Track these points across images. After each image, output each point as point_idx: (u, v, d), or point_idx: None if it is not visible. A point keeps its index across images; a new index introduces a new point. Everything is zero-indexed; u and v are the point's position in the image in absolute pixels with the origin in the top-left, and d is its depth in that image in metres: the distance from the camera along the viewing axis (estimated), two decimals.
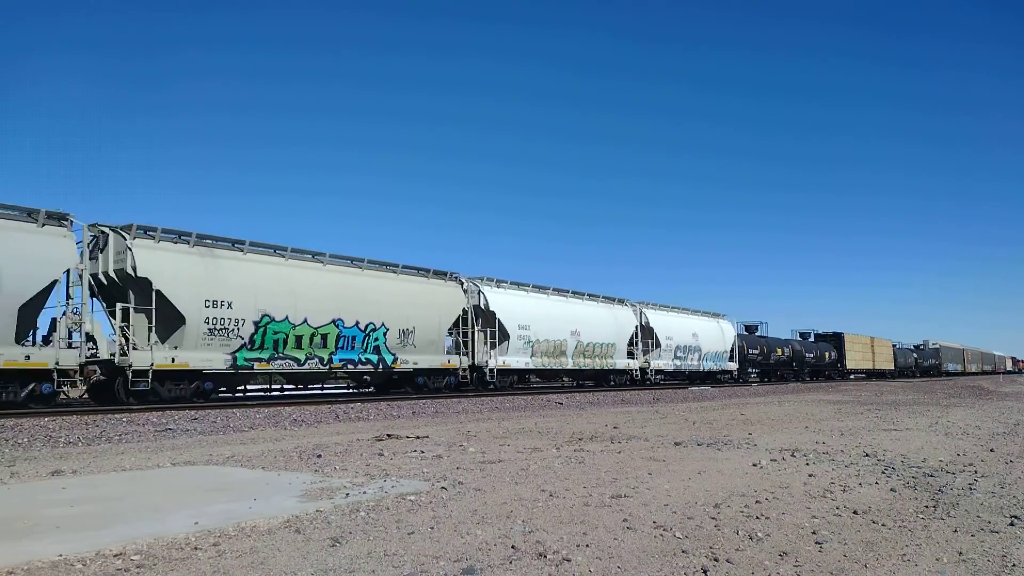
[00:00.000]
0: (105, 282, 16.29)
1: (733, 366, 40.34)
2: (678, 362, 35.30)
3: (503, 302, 25.49)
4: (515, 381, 26.73)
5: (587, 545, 4.04)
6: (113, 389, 16.03)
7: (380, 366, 21.07)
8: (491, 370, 24.70)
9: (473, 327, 24.39)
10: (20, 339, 14.00)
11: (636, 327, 31.91)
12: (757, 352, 43.15)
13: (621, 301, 32.63)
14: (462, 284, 24.60)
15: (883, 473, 6.74)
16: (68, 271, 14.86)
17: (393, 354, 21.46)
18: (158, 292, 15.92)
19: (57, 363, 14.24)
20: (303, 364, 18.96)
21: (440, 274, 23.73)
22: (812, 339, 51.60)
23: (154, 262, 16.03)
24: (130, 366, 15.43)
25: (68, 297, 15.08)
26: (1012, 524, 4.77)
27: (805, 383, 42.58)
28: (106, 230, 16.24)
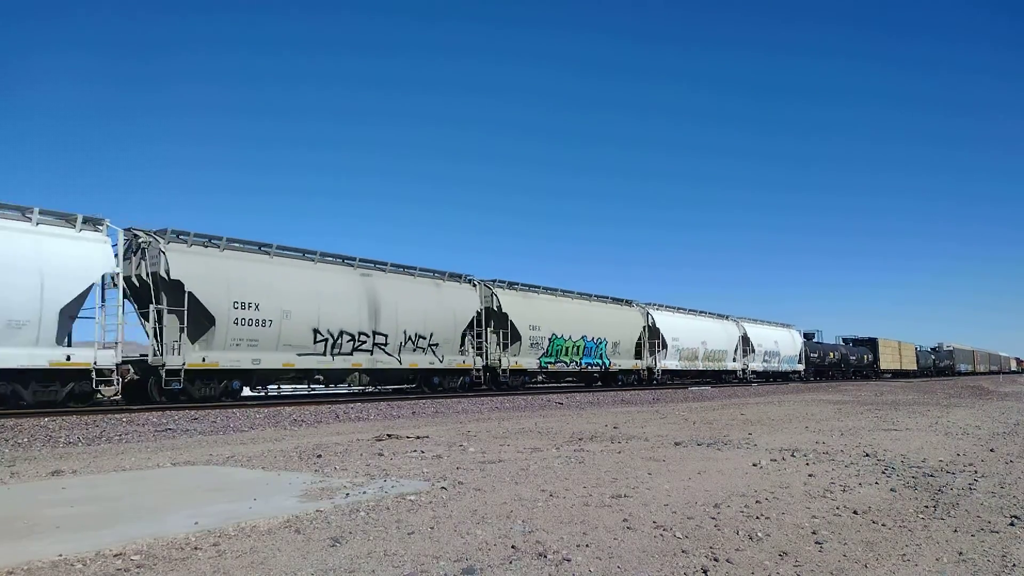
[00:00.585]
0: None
1: (801, 367, 48.47)
2: (765, 364, 44.02)
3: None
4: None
5: (587, 545, 4.04)
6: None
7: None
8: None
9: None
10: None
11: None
12: (816, 356, 51.22)
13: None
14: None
15: (883, 473, 6.74)
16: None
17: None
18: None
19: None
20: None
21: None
22: (852, 343, 59.22)
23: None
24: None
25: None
26: (1012, 524, 4.77)
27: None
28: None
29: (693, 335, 36.69)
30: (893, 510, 5.18)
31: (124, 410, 14.32)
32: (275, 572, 3.52)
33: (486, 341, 25.12)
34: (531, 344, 26.60)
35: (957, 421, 13.37)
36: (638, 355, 32.82)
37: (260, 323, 17.73)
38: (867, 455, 8.01)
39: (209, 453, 8.47)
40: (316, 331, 19.09)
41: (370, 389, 23.01)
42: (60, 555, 3.68)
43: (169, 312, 16.47)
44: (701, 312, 39.04)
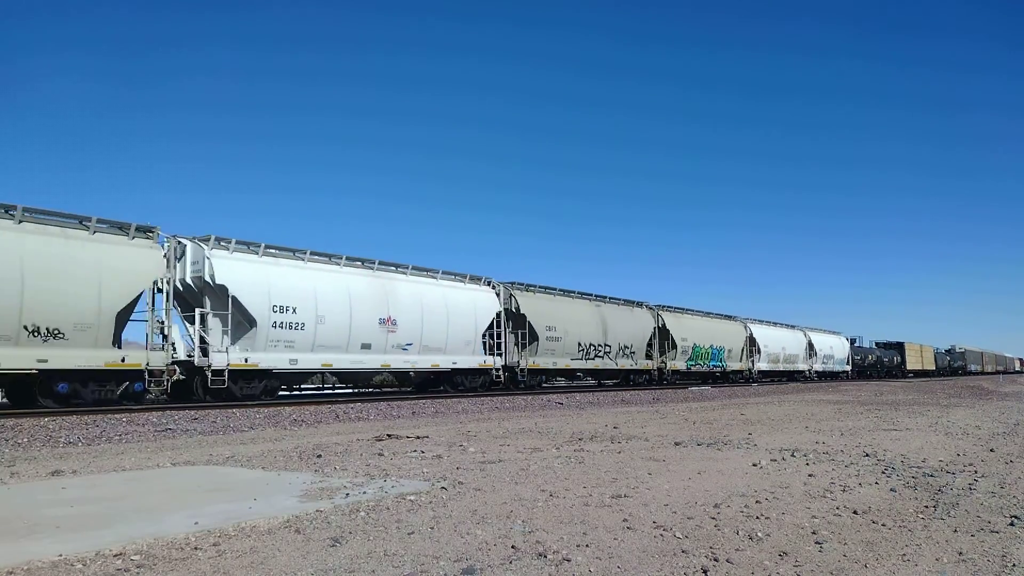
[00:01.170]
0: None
1: (848, 368, 56.79)
2: (824, 366, 52.73)
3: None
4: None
5: (587, 545, 4.04)
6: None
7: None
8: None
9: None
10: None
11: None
12: (859, 358, 59.85)
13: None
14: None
15: (883, 473, 6.74)
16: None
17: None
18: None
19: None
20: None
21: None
22: (884, 347, 67.65)
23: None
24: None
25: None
26: (1012, 524, 4.77)
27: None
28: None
29: (777, 343, 46.73)
30: (893, 510, 5.18)
31: (124, 410, 14.33)
32: (275, 572, 3.52)
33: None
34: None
35: (957, 421, 13.37)
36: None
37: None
38: (867, 455, 8.01)
39: (209, 453, 8.47)
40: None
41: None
42: (60, 555, 3.68)
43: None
44: (777, 323, 49.10)
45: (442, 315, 22.72)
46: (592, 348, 29.53)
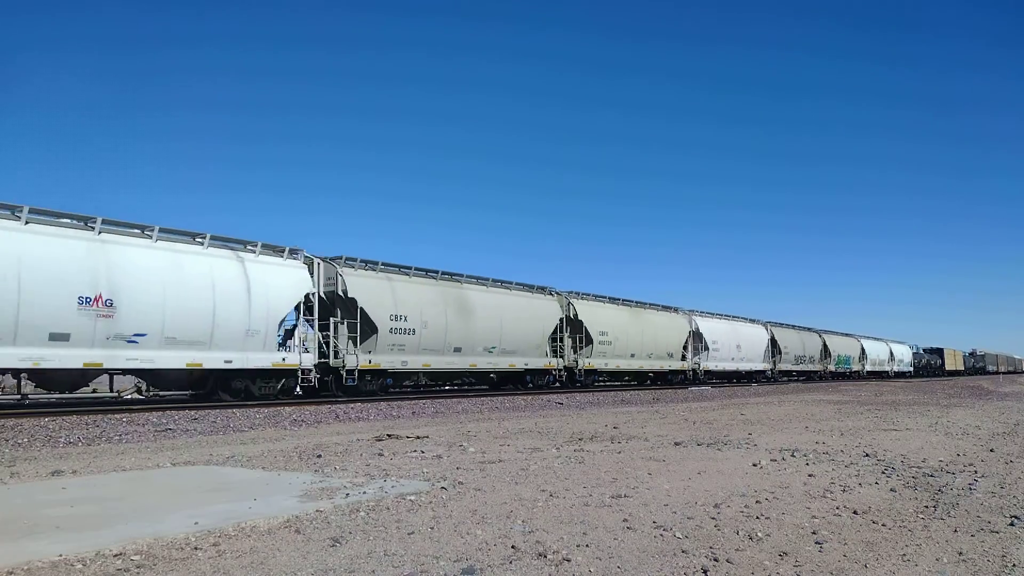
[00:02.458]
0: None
1: (911, 369, 72.32)
2: (899, 367, 67.73)
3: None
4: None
5: (587, 545, 4.04)
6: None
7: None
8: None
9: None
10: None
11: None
12: (917, 361, 75.47)
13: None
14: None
15: (883, 473, 6.74)
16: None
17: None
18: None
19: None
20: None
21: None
22: (930, 352, 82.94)
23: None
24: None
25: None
26: (1012, 524, 4.77)
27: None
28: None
29: (879, 350, 64.53)
30: (893, 510, 5.18)
31: (124, 410, 14.33)
32: (275, 572, 3.52)
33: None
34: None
35: (957, 421, 13.37)
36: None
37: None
38: (867, 455, 8.01)
39: (209, 453, 8.47)
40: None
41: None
42: (60, 555, 3.68)
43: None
44: (866, 336, 63.20)
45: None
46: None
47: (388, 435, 10.17)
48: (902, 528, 4.66)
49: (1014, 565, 3.88)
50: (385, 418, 14.62)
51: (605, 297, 32.39)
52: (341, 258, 20.78)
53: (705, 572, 3.64)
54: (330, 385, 20.25)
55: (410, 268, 22.79)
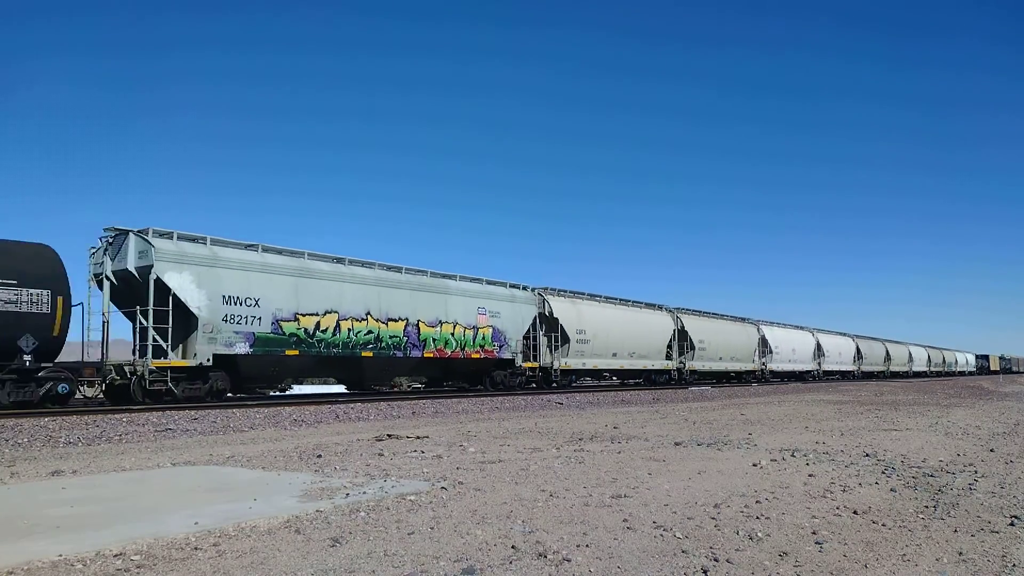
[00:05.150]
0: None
1: (975, 368, 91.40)
2: (960, 368, 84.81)
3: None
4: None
5: (587, 545, 4.04)
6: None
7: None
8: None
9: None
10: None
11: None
12: (978, 364, 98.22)
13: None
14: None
15: (883, 473, 6.74)
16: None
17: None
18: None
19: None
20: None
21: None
22: (982, 358, 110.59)
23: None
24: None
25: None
26: (1012, 524, 4.77)
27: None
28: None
29: (921, 353, 76.28)
30: (893, 510, 5.18)
31: (124, 410, 14.34)
32: (275, 572, 3.52)
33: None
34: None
35: (957, 421, 13.37)
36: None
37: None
38: (867, 455, 8.01)
39: (209, 453, 8.47)
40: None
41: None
42: (60, 555, 3.68)
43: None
44: (900, 342, 72.54)
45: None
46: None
47: (388, 435, 10.17)
48: (902, 528, 4.66)
49: (1014, 565, 3.88)
50: (385, 418, 14.62)
51: (710, 313, 40.90)
52: (546, 288, 29.18)
53: (705, 572, 3.64)
54: (540, 382, 27.66)
55: (584, 293, 31.32)
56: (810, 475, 6.56)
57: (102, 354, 16.56)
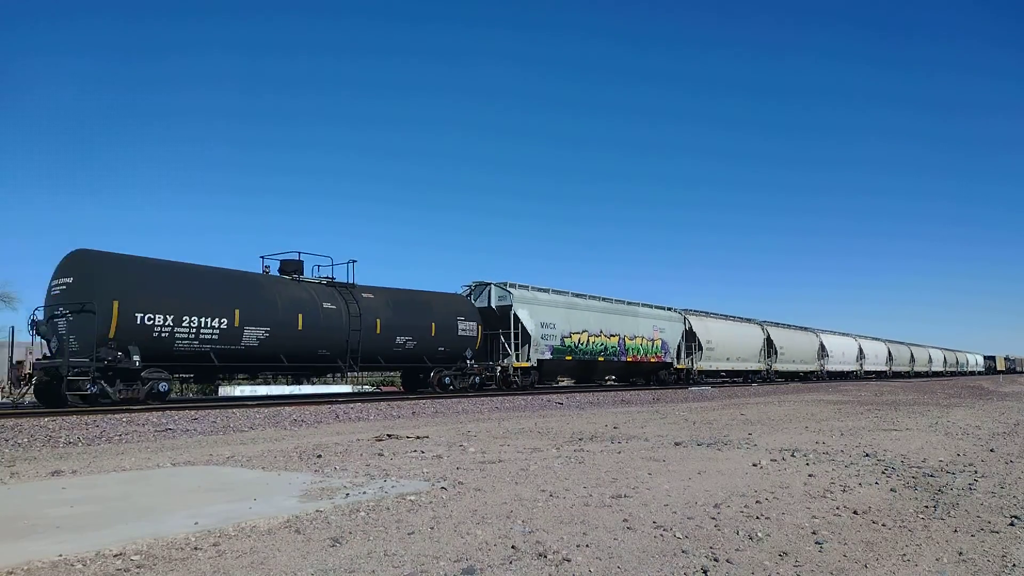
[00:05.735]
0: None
1: (983, 369, 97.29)
2: (971, 368, 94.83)
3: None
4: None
5: (587, 545, 4.04)
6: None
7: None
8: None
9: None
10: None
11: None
12: (987, 364, 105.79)
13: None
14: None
15: (883, 473, 6.74)
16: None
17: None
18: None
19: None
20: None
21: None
22: (988, 359, 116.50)
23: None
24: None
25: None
26: (1012, 524, 4.77)
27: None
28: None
29: (939, 355, 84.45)
30: (893, 510, 5.18)
31: (124, 410, 14.34)
32: (275, 572, 3.52)
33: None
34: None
35: (957, 421, 13.37)
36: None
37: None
38: (867, 455, 8.01)
39: (209, 453, 8.47)
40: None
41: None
42: (60, 555, 3.68)
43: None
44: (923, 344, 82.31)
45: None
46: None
47: (388, 435, 10.18)
48: (902, 528, 4.66)
49: (1014, 565, 3.88)
50: (385, 418, 14.62)
51: (791, 325, 50.55)
52: (689, 309, 37.53)
53: (705, 572, 3.64)
54: (684, 380, 35.57)
55: (716, 313, 41.15)
56: (810, 475, 6.56)
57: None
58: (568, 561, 3.73)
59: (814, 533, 4.44)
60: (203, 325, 16.79)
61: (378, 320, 20.96)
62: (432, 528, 4.39)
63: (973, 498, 5.64)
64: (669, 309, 36.56)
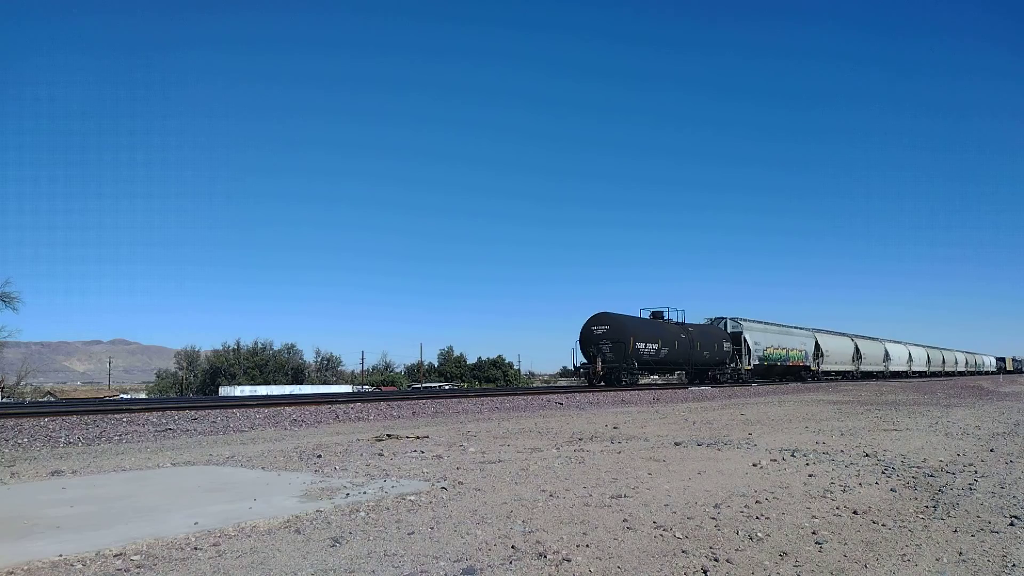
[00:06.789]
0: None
1: (995, 370, 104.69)
2: (971, 369, 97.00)
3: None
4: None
5: (587, 545, 4.04)
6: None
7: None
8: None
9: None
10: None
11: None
12: (1017, 366, 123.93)
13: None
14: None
15: (883, 473, 6.74)
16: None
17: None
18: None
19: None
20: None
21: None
22: (999, 359, 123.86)
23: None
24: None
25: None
26: (1012, 524, 4.77)
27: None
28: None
29: (961, 358, 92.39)
30: (893, 510, 5.18)
31: (124, 410, 14.34)
32: (275, 572, 3.52)
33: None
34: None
35: (957, 421, 13.37)
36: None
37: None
38: (867, 455, 8.01)
39: (209, 453, 8.47)
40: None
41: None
42: (60, 555, 3.69)
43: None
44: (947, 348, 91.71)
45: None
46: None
47: (388, 435, 10.17)
48: (902, 528, 4.66)
49: (1014, 565, 3.88)
50: (385, 418, 14.62)
51: (837, 331, 58.54)
52: (805, 326, 50.57)
53: (705, 572, 3.64)
54: (809, 379, 46.49)
55: (777, 323, 48.11)
56: (810, 475, 6.56)
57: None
58: (568, 561, 3.73)
59: (814, 533, 4.44)
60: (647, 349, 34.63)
61: (697, 343, 37.97)
62: (432, 528, 4.39)
63: (973, 498, 5.64)
64: (804, 328, 51.83)
